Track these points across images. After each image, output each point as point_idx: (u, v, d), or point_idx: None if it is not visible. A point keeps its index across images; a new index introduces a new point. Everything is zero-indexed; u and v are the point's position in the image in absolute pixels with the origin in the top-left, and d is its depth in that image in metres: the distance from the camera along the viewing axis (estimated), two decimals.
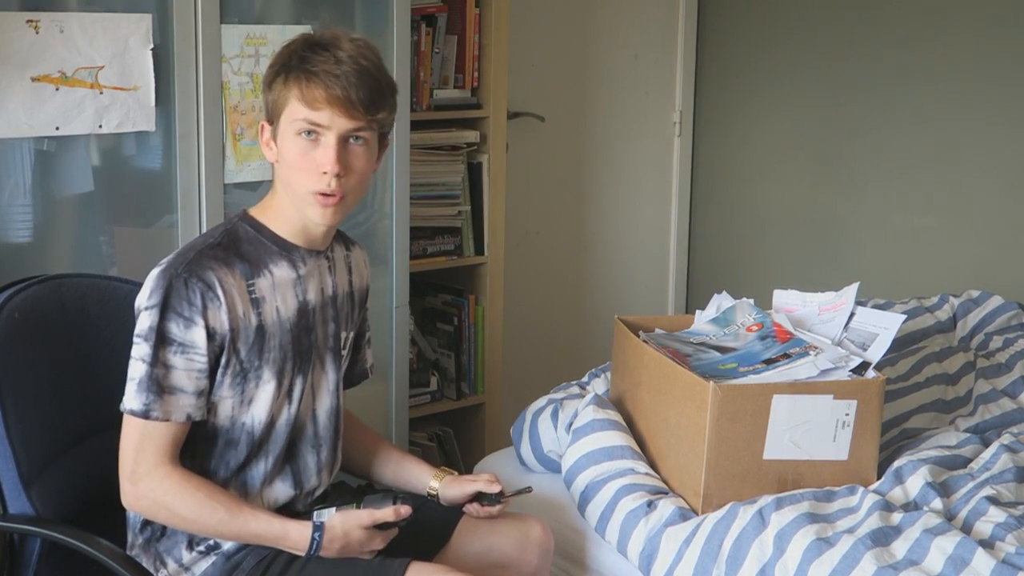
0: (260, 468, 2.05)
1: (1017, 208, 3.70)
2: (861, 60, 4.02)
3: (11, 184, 2.51)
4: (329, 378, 2.13)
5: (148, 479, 1.93)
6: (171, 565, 2.01)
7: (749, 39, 4.38)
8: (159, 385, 1.91)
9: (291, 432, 2.06)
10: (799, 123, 4.25)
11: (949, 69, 3.81)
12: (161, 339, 1.91)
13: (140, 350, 1.92)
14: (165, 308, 1.90)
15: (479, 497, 2.21)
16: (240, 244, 2.01)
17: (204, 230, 2.61)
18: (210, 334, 1.93)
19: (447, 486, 2.22)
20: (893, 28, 3.93)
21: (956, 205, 3.85)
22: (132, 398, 1.92)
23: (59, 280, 2.18)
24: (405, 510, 1.97)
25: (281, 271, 2.02)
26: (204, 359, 1.93)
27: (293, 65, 1.94)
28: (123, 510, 2.03)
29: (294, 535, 1.96)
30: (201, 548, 2.01)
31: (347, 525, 1.96)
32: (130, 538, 2.06)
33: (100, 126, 2.55)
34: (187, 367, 1.92)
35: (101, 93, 2.54)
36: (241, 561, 1.99)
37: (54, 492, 2.03)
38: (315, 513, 2.00)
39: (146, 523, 2.03)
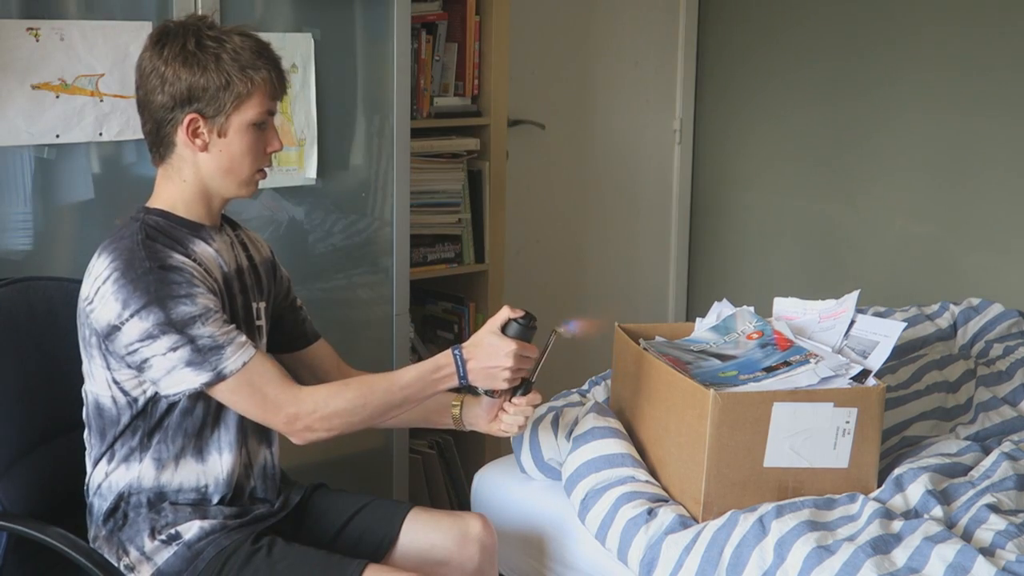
0: (216, 437, 2.07)
1: (1018, 216, 3.70)
2: (861, 68, 4.03)
3: (12, 192, 2.51)
4: None
5: (290, 407, 1.98)
6: (133, 554, 2.03)
7: (749, 47, 4.38)
8: (211, 349, 1.94)
9: None
10: (799, 131, 4.25)
11: (949, 78, 3.81)
12: (181, 324, 1.93)
13: (163, 344, 1.92)
14: (162, 300, 1.92)
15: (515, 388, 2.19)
16: (160, 234, 2.02)
17: None
18: (211, 290, 1.98)
19: (468, 409, 2.28)
20: (893, 40, 3.94)
21: (956, 213, 3.85)
22: (195, 376, 1.94)
23: (27, 283, 2.20)
24: (517, 312, 2.05)
25: (202, 248, 2.06)
26: (221, 314, 1.98)
27: (247, 60, 1.99)
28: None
29: (444, 361, 2.04)
30: (163, 537, 2.03)
31: (478, 336, 2.06)
32: (93, 531, 2.08)
33: (100, 134, 2.55)
34: (218, 325, 1.95)
35: (101, 101, 2.54)
36: (202, 551, 2.02)
37: (21, 488, 2.06)
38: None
39: (109, 514, 2.05)
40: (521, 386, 2.16)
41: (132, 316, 1.92)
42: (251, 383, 1.97)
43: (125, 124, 2.57)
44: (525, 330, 2.06)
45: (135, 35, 2.55)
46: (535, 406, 2.20)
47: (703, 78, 4.53)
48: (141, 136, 2.57)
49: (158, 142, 2.05)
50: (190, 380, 1.94)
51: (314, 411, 1.99)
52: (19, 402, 2.10)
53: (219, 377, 1.95)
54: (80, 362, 2.06)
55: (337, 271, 3.02)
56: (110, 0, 2.59)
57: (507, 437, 2.29)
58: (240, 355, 1.96)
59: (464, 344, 2.06)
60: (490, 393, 2.15)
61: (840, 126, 4.12)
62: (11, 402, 2.08)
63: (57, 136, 2.50)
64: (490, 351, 2.04)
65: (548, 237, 4.24)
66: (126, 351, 1.94)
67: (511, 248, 3.84)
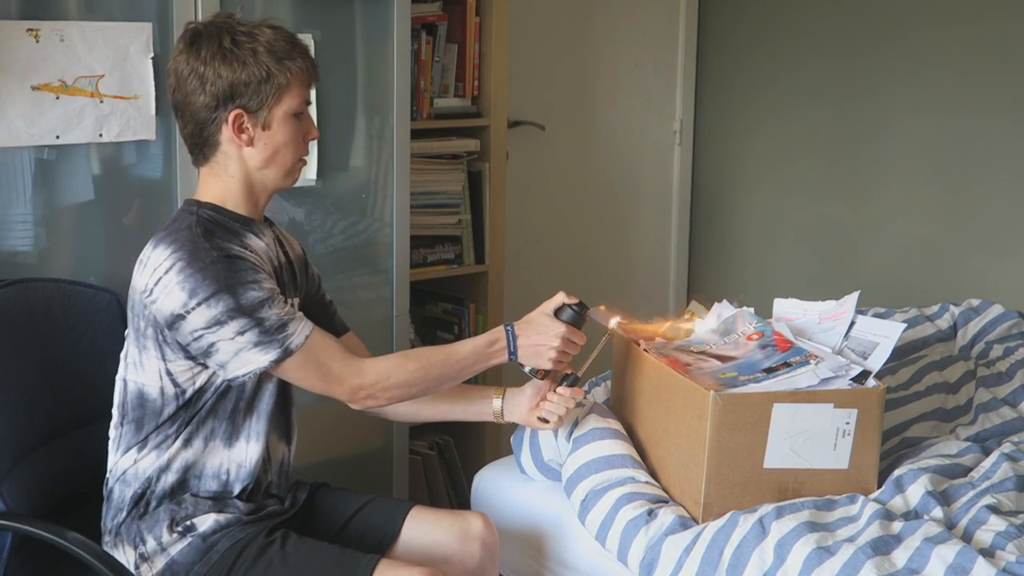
0: (247, 425, 2.10)
1: (1018, 217, 3.70)
2: (861, 68, 4.02)
3: (12, 193, 2.51)
4: None
5: (355, 379, 2.05)
6: (150, 544, 2.04)
7: (749, 47, 4.38)
8: (277, 328, 1.98)
9: (277, 393, 2.13)
10: (799, 132, 4.25)
11: (950, 80, 3.81)
12: (250, 309, 1.96)
13: (231, 328, 1.96)
14: (232, 287, 1.95)
15: (562, 379, 2.28)
16: (217, 227, 2.05)
17: None
18: (271, 274, 2.04)
19: (510, 399, 2.32)
20: (893, 41, 3.93)
21: (957, 214, 3.85)
22: (263, 356, 1.98)
23: (24, 284, 2.22)
24: (572, 299, 2.21)
25: (254, 242, 2.09)
26: (282, 296, 2.03)
27: (282, 51, 2.03)
28: (92, 505, 2.10)
29: (497, 335, 2.16)
30: (179, 529, 2.04)
31: (531, 316, 2.19)
32: (110, 519, 2.09)
33: (100, 135, 2.55)
34: (281, 306, 2.00)
35: (101, 102, 2.54)
36: (216, 543, 2.04)
37: (24, 489, 2.06)
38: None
39: (135, 500, 2.06)
40: (567, 378, 2.26)
41: (200, 304, 1.94)
42: (316, 358, 2.02)
43: (125, 125, 2.57)
44: (577, 317, 2.21)
45: (135, 36, 2.55)
46: (577, 401, 2.29)
47: (703, 78, 4.53)
48: (141, 137, 2.61)
49: (201, 143, 2.08)
50: (258, 360, 1.98)
51: (377, 382, 2.06)
52: (19, 403, 2.11)
53: (286, 353, 1.99)
54: (78, 363, 2.06)
55: (337, 272, 3.02)
56: (110, 1, 2.59)
57: (545, 429, 2.33)
58: (302, 329, 2.01)
59: (517, 322, 2.18)
60: (534, 373, 2.23)
61: (840, 127, 4.11)
62: (11, 403, 2.09)
63: (57, 137, 2.50)
64: (540, 329, 2.17)
65: (548, 237, 4.24)
66: (190, 338, 1.97)
67: (511, 249, 3.84)
